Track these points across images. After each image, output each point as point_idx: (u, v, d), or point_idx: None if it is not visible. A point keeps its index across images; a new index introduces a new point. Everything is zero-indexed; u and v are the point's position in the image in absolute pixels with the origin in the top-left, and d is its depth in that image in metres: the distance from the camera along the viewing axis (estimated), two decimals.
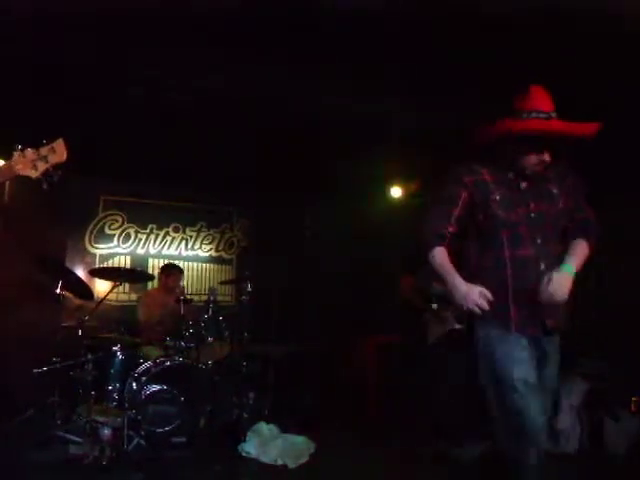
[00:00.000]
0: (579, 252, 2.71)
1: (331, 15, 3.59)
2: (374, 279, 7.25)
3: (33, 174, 2.01)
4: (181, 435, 4.64)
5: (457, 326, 4.41)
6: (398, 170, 6.95)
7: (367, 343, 6.34)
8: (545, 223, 2.70)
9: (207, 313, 5.23)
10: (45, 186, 2.17)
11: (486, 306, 2.54)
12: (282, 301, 6.28)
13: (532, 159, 2.65)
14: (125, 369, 4.90)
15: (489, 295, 2.56)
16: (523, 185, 2.74)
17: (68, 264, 6.49)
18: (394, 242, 6.86)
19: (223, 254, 7.75)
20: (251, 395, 5.31)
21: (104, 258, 7.16)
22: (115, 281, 5.32)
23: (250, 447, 4.59)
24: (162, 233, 7.43)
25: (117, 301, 6.78)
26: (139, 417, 4.52)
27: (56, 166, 2.06)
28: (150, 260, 7.35)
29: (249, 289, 5.44)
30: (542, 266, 2.63)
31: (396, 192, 7.34)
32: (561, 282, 2.54)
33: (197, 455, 4.50)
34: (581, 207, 2.81)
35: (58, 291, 5.09)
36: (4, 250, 5.67)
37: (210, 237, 7.69)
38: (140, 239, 7.33)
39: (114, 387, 4.84)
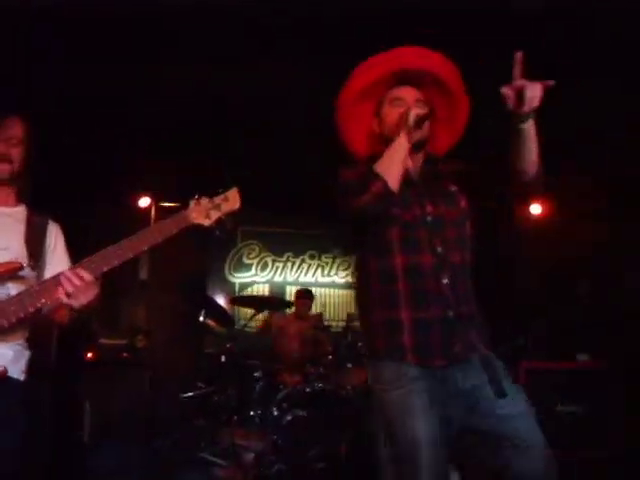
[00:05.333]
0: None
1: None
2: None
3: (206, 222, 2.06)
4: (323, 461, 4.57)
5: None
6: None
7: None
8: (445, 228, 2.18)
9: (345, 339, 5.19)
10: (217, 233, 2.22)
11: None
12: None
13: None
14: (266, 395, 4.92)
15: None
16: (415, 180, 2.27)
17: (209, 293, 6.70)
18: None
19: None
20: None
21: (243, 286, 7.37)
22: (255, 309, 5.40)
23: None
24: (298, 261, 7.53)
25: (256, 328, 6.89)
26: (280, 442, 4.51)
27: (229, 214, 2.11)
28: (288, 287, 7.46)
29: None
30: (444, 280, 2.09)
31: None
32: None
33: None
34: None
35: (201, 319, 5.24)
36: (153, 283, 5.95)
37: (346, 263, 7.70)
38: (277, 267, 7.47)
39: (256, 412, 4.87)
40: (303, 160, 5.73)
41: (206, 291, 6.80)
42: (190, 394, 5.00)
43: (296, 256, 7.53)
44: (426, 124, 2.18)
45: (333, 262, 7.66)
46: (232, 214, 2.17)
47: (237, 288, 7.36)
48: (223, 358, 5.08)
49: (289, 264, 7.50)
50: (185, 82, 4.45)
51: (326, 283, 7.58)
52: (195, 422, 4.97)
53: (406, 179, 2.16)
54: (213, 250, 7.18)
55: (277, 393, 4.87)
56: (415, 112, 2.13)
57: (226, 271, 7.32)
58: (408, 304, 2.08)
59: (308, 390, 4.82)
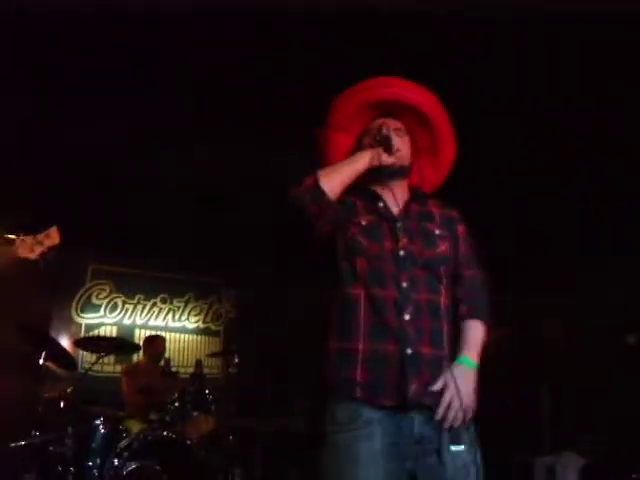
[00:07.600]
0: (475, 338, 2.11)
1: None
2: None
3: (32, 256, 2.40)
4: None
5: None
6: None
7: None
8: (415, 266, 2.09)
9: (193, 386, 5.12)
10: (42, 265, 2.59)
11: None
12: (272, 375, 6.17)
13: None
14: (107, 444, 4.70)
15: None
16: (394, 216, 2.20)
17: (53, 333, 6.38)
18: None
19: (211, 326, 7.68)
20: (237, 472, 5.13)
21: (90, 328, 7.08)
22: (100, 352, 5.19)
23: None
24: (149, 304, 7.39)
25: (102, 372, 6.64)
26: None
27: (51, 248, 2.47)
28: (137, 331, 7.28)
29: (236, 361, 5.35)
30: (406, 316, 2.00)
31: None
32: (463, 383, 1.94)
33: None
34: (469, 264, 2.25)
35: (41, 361, 4.96)
36: None
37: (198, 308, 7.66)
38: (127, 309, 7.27)
39: (95, 463, 4.63)
40: (160, 202, 5.69)
41: (48, 331, 6.45)
42: (22, 443, 4.68)
43: (147, 299, 7.39)
44: (403, 152, 2.22)
45: (185, 307, 7.59)
46: (54, 248, 2.54)
47: (83, 329, 7.06)
48: (62, 404, 4.83)
49: (139, 306, 7.34)
50: None
51: (176, 328, 7.48)
52: (25, 475, 4.65)
53: (383, 213, 2.18)
54: (59, 289, 6.87)
55: (118, 442, 4.70)
56: (385, 131, 2.18)
57: (72, 311, 7.01)
58: (366, 336, 2.01)
59: (151, 438, 4.68)
